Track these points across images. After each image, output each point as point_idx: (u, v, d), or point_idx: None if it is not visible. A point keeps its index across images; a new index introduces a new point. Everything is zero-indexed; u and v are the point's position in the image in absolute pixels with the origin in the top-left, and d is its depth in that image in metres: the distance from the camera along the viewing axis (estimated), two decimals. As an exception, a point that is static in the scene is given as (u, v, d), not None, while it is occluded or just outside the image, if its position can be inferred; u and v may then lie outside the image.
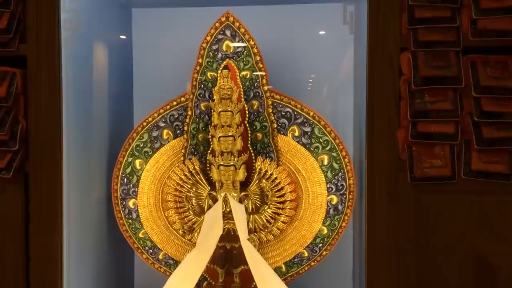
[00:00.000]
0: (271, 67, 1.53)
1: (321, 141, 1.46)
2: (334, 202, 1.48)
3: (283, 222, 1.50)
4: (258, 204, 1.49)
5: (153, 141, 1.47)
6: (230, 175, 1.42)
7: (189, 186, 1.50)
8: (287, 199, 1.46)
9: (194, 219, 1.50)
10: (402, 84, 1.28)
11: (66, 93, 1.36)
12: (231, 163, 1.42)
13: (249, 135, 1.43)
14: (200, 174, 1.49)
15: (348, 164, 1.49)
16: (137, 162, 1.50)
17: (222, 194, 1.43)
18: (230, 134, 1.42)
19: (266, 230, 1.46)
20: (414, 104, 1.21)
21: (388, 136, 1.27)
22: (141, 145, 1.48)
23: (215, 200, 1.46)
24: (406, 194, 1.26)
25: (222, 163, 1.43)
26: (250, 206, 1.46)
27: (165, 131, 1.47)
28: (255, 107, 1.44)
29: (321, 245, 1.51)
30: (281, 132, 1.45)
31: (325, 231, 1.50)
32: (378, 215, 1.30)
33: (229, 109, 1.42)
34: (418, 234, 1.28)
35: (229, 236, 1.44)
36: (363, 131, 1.37)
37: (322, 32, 1.67)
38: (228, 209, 1.43)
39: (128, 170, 1.53)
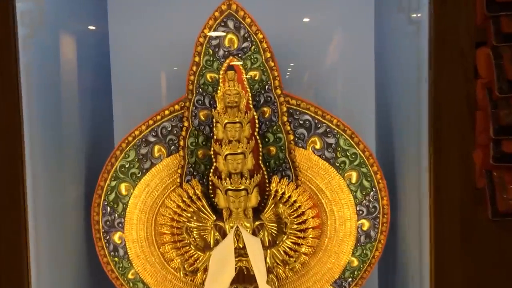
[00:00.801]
0: (283, 66, 1.25)
1: (348, 154, 1.20)
2: (365, 228, 1.23)
3: (305, 254, 1.24)
4: (275, 233, 1.22)
5: (142, 160, 1.19)
6: (241, 201, 1.15)
7: (189, 216, 1.22)
8: (309, 226, 1.22)
9: (197, 256, 1.22)
10: (479, 89, 1.01)
11: (27, 98, 1.04)
12: (242, 187, 1.15)
13: (261, 150, 1.17)
14: (203, 200, 1.21)
15: (380, 181, 1.24)
16: (123, 186, 1.21)
17: (233, 226, 1.16)
18: (239, 151, 1.14)
19: (286, 267, 1.19)
20: (498, 116, 0.94)
21: (460, 158, 1.00)
22: (126, 166, 1.20)
23: (222, 232, 1.19)
24: (485, 234, 1.00)
25: (230, 187, 1.15)
26: (266, 238, 1.19)
27: (156, 147, 1.20)
28: (266, 116, 1.18)
29: (351, 279, 1.25)
30: (300, 145, 1.19)
31: (356, 262, 1.25)
32: (449, 263, 1.03)
33: (237, 120, 1.14)
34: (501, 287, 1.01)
35: (242, 277, 1.17)
36: (395, 136, 1.10)
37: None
38: (241, 245, 1.16)
39: (112, 196, 1.23)
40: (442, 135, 1.01)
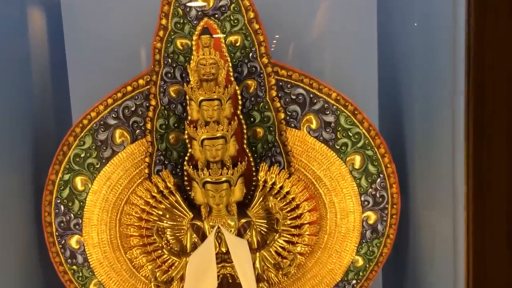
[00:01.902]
0: (270, 28, 1.03)
1: (350, 134, 1.02)
2: (371, 221, 1.06)
3: (301, 254, 1.05)
4: (264, 232, 1.03)
5: (101, 148, 1.01)
6: (223, 196, 0.94)
7: (161, 214, 1.02)
8: (306, 222, 1.05)
9: (171, 262, 1.02)
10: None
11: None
12: (223, 179, 0.94)
13: (245, 132, 1.00)
14: (176, 195, 1.01)
15: (389, 165, 1.04)
16: (78, 180, 1.02)
17: (214, 226, 0.95)
18: (219, 134, 0.93)
19: (279, 272, 0.99)
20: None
21: (507, 148, 0.79)
22: (82, 155, 1.01)
23: (201, 233, 0.99)
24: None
25: (209, 179, 0.94)
26: (254, 239, 0.99)
27: (117, 132, 1.01)
28: (251, 90, 1.00)
29: (355, 281, 1.07)
30: (292, 124, 1.02)
31: (361, 262, 1.07)
32: (492, 271, 0.83)
33: (215, 97, 0.92)
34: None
35: (226, 287, 0.97)
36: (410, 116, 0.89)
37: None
38: (224, 249, 0.95)
39: (65, 193, 1.02)
40: (485, 116, 0.79)
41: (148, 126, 1.00)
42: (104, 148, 1.01)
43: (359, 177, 1.03)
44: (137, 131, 1.01)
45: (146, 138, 1.01)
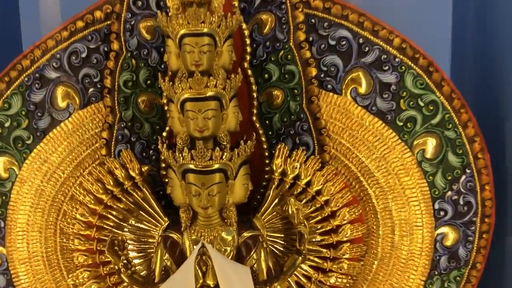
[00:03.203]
0: None
1: (421, 104, 0.70)
2: (449, 242, 0.73)
3: (334, 288, 0.72)
4: (280, 253, 0.69)
5: (35, 115, 0.73)
6: (214, 193, 0.62)
7: (120, 218, 0.70)
8: (344, 239, 0.72)
9: (134, 293, 0.67)
10: None
11: None
12: (216, 166, 0.61)
13: (254, 95, 0.70)
14: (145, 190, 0.69)
15: (480, 156, 0.71)
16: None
17: (197, 241, 0.62)
18: (210, 93, 0.61)
19: (302, 319, 0.64)
20: None
21: None
22: (6, 124, 0.73)
23: (177, 252, 0.65)
24: None
25: (192, 165, 0.60)
26: (263, 264, 0.65)
27: (60, 91, 0.71)
28: (266, 30, 0.69)
29: (420, 336, 0.72)
30: (329, 86, 0.70)
31: (430, 305, 0.72)
32: None
33: (204, 30, 0.60)
34: None
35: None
36: None
37: None
38: (211, 282, 0.60)
39: (-20, 181, 0.72)
40: None
41: (107, 82, 0.71)
42: (40, 114, 0.72)
43: (433, 172, 0.71)
44: (90, 90, 0.72)
45: (103, 101, 0.72)
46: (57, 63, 0.70)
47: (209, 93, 0.61)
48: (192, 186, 0.61)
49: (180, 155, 0.61)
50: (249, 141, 0.64)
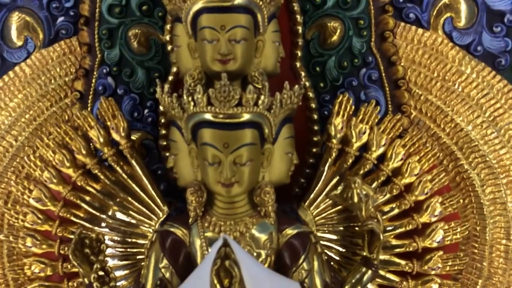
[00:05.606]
0: None
1: None
2: None
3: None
4: (336, 261, 0.49)
5: None
6: (243, 163, 0.41)
7: (96, 205, 0.50)
8: (435, 246, 0.50)
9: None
10: None
11: None
12: (245, 117, 0.40)
13: (299, 30, 0.51)
14: (135, 162, 0.49)
15: None
16: None
17: (213, 240, 0.41)
18: (237, 0, 0.37)
19: None
20: None
21: None
22: None
23: (181, 256, 0.44)
24: None
25: (209, 116, 0.40)
26: (316, 277, 0.43)
27: (14, 19, 0.53)
28: None
29: None
30: (410, 16, 0.51)
31: None
32: None
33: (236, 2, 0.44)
34: None
35: None
36: None
37: None
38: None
39: None
40: None
41: (84, 8, 0.52)
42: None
43: None
44: (59, 19, 0.53)
45: (78, 36, 0.53)
46: (12, -19, 0.51)
47: (237, 1, 0.40)
48: (209, 148, 0.40)
49: (191, 99, 0.40)
50: (296, 86, 0.43)
